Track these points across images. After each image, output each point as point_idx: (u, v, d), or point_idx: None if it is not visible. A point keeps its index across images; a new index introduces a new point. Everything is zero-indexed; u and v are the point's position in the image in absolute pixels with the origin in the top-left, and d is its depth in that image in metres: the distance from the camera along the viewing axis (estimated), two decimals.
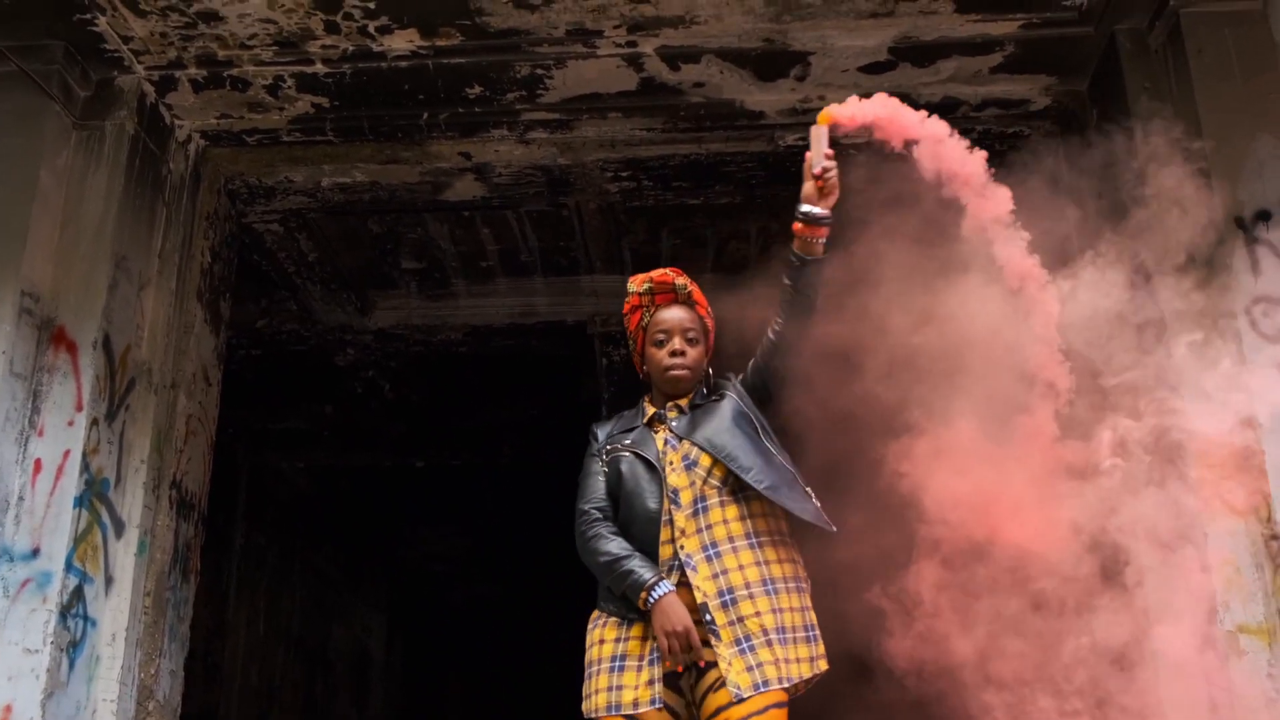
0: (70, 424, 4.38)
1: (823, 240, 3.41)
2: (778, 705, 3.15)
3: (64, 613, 4.20)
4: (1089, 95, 5.00)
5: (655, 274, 3.57)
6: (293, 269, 6.81)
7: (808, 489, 3.40)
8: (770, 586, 3.26)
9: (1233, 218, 4.23)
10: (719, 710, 3.15)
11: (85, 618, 4.35)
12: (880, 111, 3.67)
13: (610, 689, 3.24)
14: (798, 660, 3.23)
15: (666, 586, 3.20)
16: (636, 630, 3.29)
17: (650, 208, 6.12)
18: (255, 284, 6.96)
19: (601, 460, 3.50)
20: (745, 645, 3.18)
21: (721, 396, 3.49)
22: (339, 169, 5.49)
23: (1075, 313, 3.82)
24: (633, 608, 3.27)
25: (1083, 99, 5.02)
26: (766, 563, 3.30)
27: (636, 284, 3.59)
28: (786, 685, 3.17)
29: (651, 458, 3.39)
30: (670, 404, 3.54)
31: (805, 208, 3.42)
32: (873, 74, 4.92)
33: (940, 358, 3.70)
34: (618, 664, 3.27)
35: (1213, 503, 4.02)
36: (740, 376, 3.59)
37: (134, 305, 4.76)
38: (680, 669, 3.22)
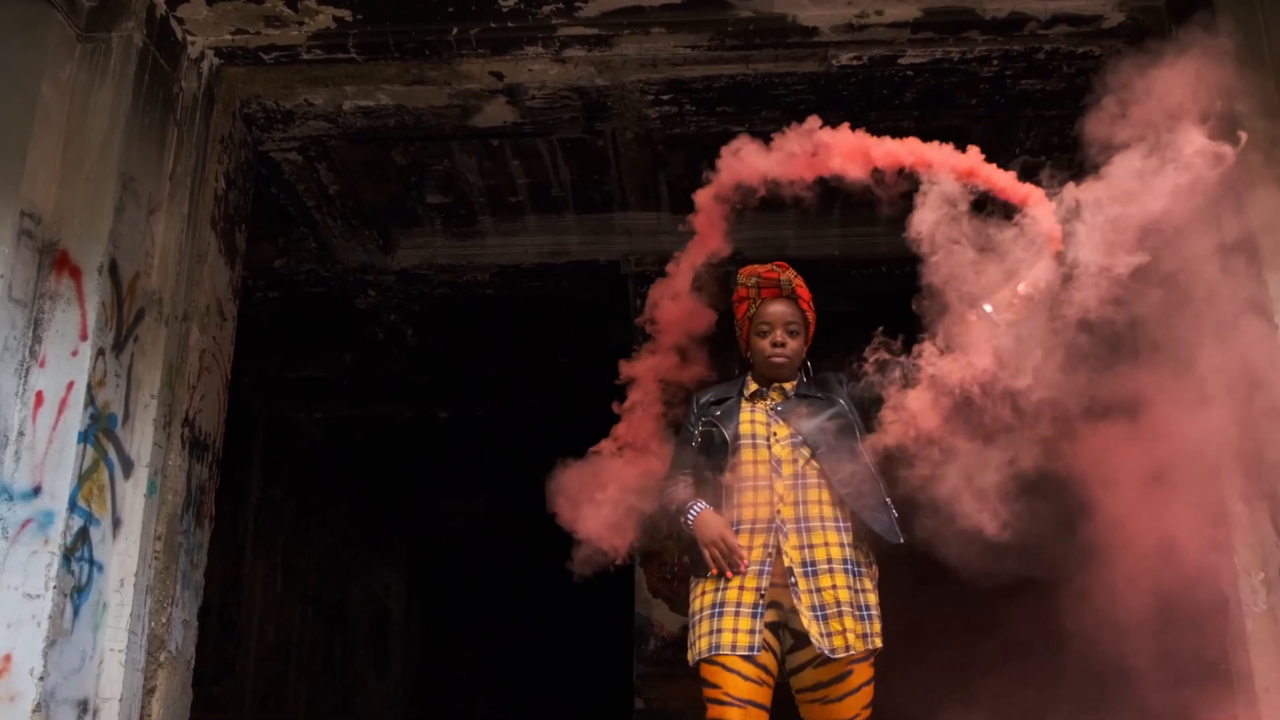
0: (74, 354, 4.07)
1: None
2: (869, 682, 3.50)
3: (68, 555, 3.91)
4: (1167, 10, 4.66)
5: (763, 269, 3.79)
6: (312, 203, 6.49)
7: (888, 499, 3.64)
8: (847, 567, 3.54)
9: None
10: (821, 685, 3.48)
11: (91, 561, 4.06)
12: None
13: (711, 633, 3.48)
14: (862, 635, 3.47)
15: (701, 505, 3.60)
16: (734, 580, 3.52)
17: (690, 136, 5.77)
18: (273, 220, 6.65)
19: (695, 430, 3.80)
20: (819, 613, 3.45)
21: (831, 399, 3.75)
22: (362, 91, 5.17)
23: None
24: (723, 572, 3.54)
25: (1160, 15, 4.69)
26: (845, 545, 3.57)
27: (745, 277, 3.82)
28: (856, 655, 3.45)
29: (730, 435, 3.68)
30: (775, 386, 3.78)
31: (998, 316, 3.49)
32: None
33: None
34: (717, 610, 3.51)
35: None
36: (849, 382, 3.80)
37: (143, 230, 4.44)
38: (730, 575, 3.50)
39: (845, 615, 3.45)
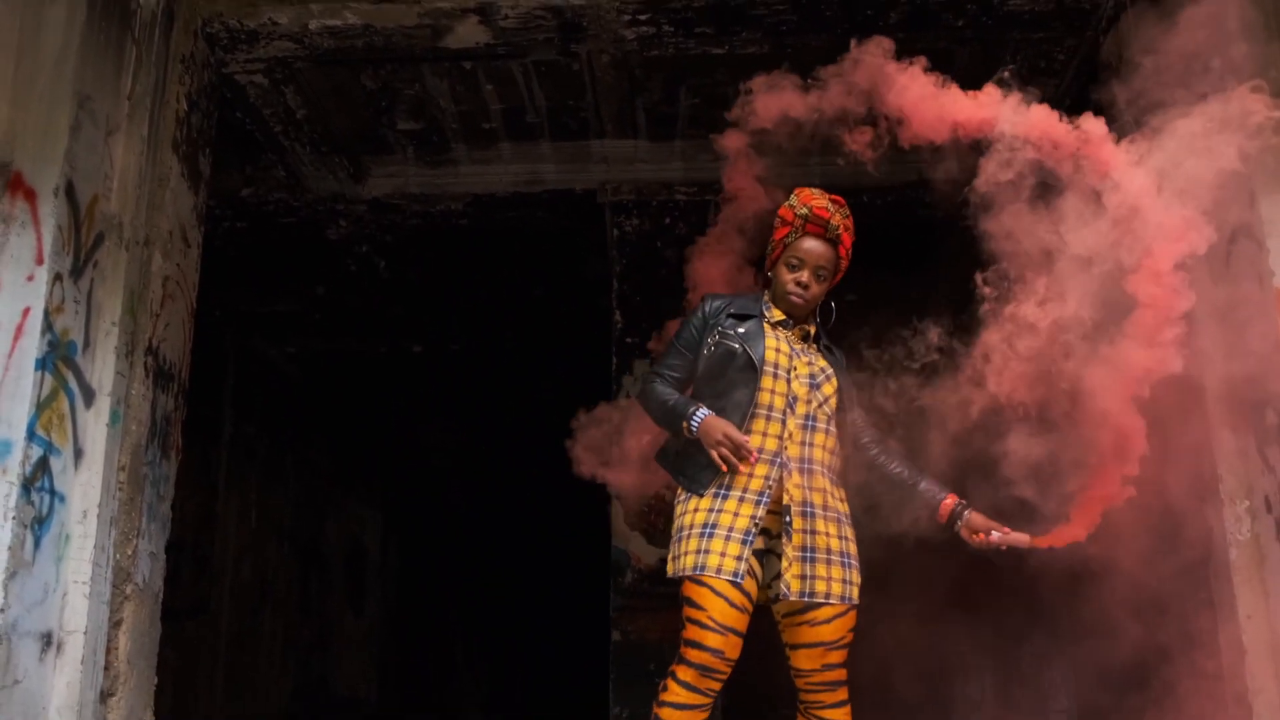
0: (30, 279, 3.92)
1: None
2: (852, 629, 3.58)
3: (26, 485, 3.78)
4: None
5: (817, 204, 3.66)
6: (279, 129, 6.31)
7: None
8: (840, 516, 3.62)
9: None
10: (804, 609, 3.52)
11: (52, 492, 3.94)
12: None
13: (698, 552, 3.47)
14: (846, 582, 3.55)
15: (705, 411, 3.54)
16: (730, 505, 3.52)
17: (669, 59, 5.61)
18: (239, 148, 6.47)
19: (708, 338, 3.73)
20: (808, 555, 3.48)
21: (840, 365, 3.79)
22: (328, 9, 4.99)
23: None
24: (721, 483, 3.55)
25: None
26: (839, 497, 3.66)
27: (798, 203, 3.69)
28: (836, 602, 3.51)
29: (757, 358, 3.60)
30: (798, 325, 3.75)
31: (961, 526, 3.71)
32: None
33: None
34: (708, 531, 3.49)
35: None
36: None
37: (101, 152, 4.28)
38: (742, 469, 3.46)
39: (834, 564, 3.51)
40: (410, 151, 6.73)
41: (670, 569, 3.59)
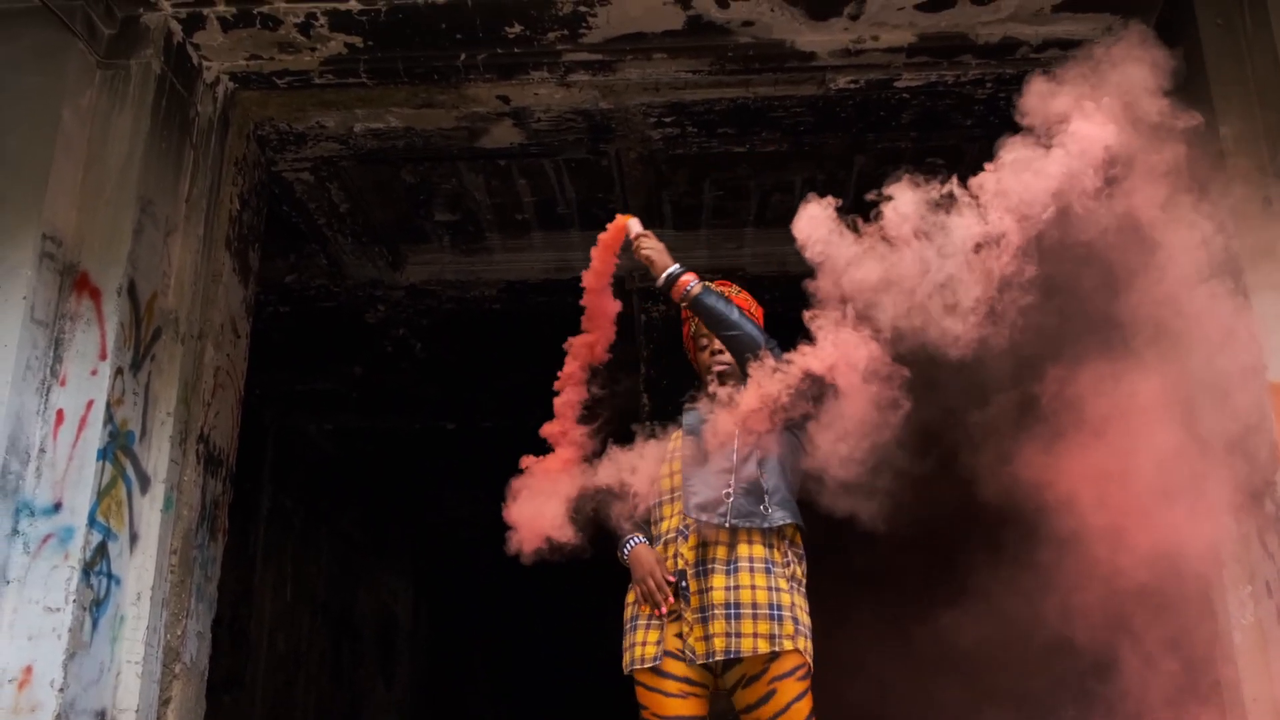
0: (94, 373, 4.20)
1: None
2: (801, 697, 3.41)
3: (87, 570, 4.03)
4: (1156, 34, 4.76)
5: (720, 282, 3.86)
6: (323, 221, 6.61)
7: (764, 502, 3.53)
8: (752, 564, 3.46)
9: None
10: (750, 709, 3.43)
11: (109, 575, 4.17)
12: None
13: (626, 648, 3.56)
14: (754, 635, 3.37)
15: (635, 540, 3.63)
16: (638, 589, 3.60)
17: (693, 156, 5.90)
18: (284, 237, 6.77)
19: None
20: (707, 614, 3.42)
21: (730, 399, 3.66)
22: (372, 113, 5.29)
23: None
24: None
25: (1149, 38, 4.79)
26: (736, 544, 3.50)
27: None
28: (750, 654, 3.36)
29: (668, 441, 3.74)
30: (701, 398, 3.80)
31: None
32: (930, 12, 4.72)
33: None
34: (633, 623, 3.58)
35: None
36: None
37: (160, 251, 4.57)
38: (661, 612, 3.50)
39: (744, 618, 3.39)
40: (446, 240, 7.02)
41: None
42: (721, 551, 3.48)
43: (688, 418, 3.78)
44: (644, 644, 3.50)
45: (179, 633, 4.54)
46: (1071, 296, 3.83)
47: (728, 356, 3.71)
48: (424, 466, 11.80)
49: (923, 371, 3.48)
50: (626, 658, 3.55)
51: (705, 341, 3.81)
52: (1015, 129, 5.57)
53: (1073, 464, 3.89)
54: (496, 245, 7.01)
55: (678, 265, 3.75)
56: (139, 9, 4.64)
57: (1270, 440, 4.01)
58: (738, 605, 3.39)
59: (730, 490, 3.53)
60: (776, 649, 3.37)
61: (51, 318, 4.22)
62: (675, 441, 3.75)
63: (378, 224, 6.76)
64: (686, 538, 3.55)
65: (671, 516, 3.64)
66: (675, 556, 3.56)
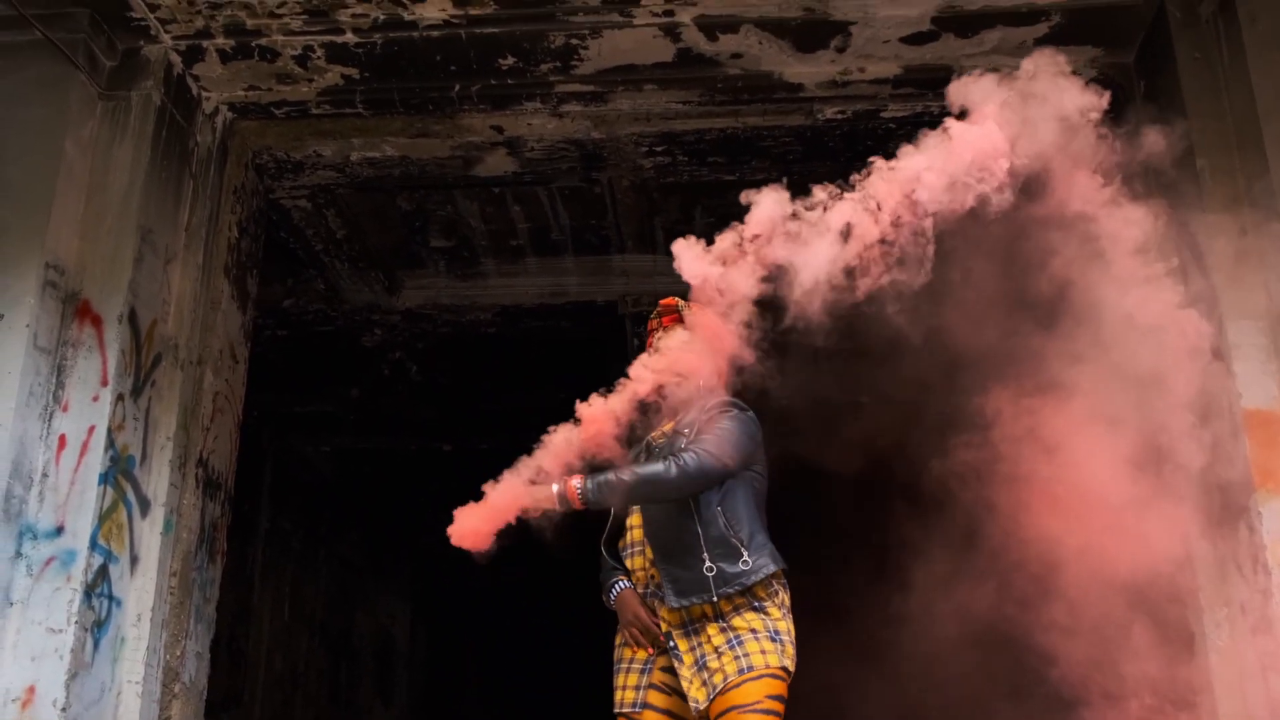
0: (95, 399, 4.30)
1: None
2: (771, 675, 3.31)
3: (88, 592, 4.11)
4: (1136, 67, 4.89)
5: (662, 300, 3.75)
6: (320, 247, 6.72)
7: (745, 558, 3.40)
8: (723, 617, 3.38)
9: None
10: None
11: (110, 597, 4.26)
12: None
13: (618, 689, 3.53)
14: (760, 653, 3.33)
15: (620, 585, 3.56)
16: (626, 633, 3.57)
17: (684, 184, 6.00)
18: (282, 263, 6.87)
19: None
20: (702, 664, 3.35)
21: (680, 433, 3.53)
22: (368, 143, 5.40)
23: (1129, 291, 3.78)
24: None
25: (1129, 71, 4.92)
26: (731, 581, 3.40)
27: (653, 311, 3.78)
28: (735, 677, 3.29)
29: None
30: (667, 424, 3.62)
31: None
32: (915, 45, 4.82)
33: None
34: (617, 666, 3.56)
35: (1265, 480, 4.00)
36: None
37: (160, 279, 4.67)
38: (651, 652, 3.47)
39: (724, 654, 3.34)
40: (442, 266, 7.13)
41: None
42: (709, 609, 3.39)
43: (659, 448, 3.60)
44: (624, 688, 3.49)
45: (178, 653, 4.62)
46: (1042, 319, 3.92)
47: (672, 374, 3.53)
48: (421, 488, 11.86)
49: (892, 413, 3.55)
50: (617, 697, 3.52)
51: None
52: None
53: (1048, 485, 3.96)
54: (491, 270, 7.11)
55: (556, 485, 3.35)
56: (139, 41, 4.76)
57: (1244, 465, 4.09)
58: (739, 637, 3.33)
59: (708, 563, 3.38)
60: (784, 663, 3.33)
61: (54, 345, 4.32)
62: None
63: (374, 250, 6.87)
64: (663, 600, 3.44)
65: (641, 567, 3.56)
66: (657, 616, 3.49)
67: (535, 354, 8.06)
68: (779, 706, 3.29)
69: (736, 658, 3.30)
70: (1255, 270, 4.21)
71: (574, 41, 4.75)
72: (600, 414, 3.45)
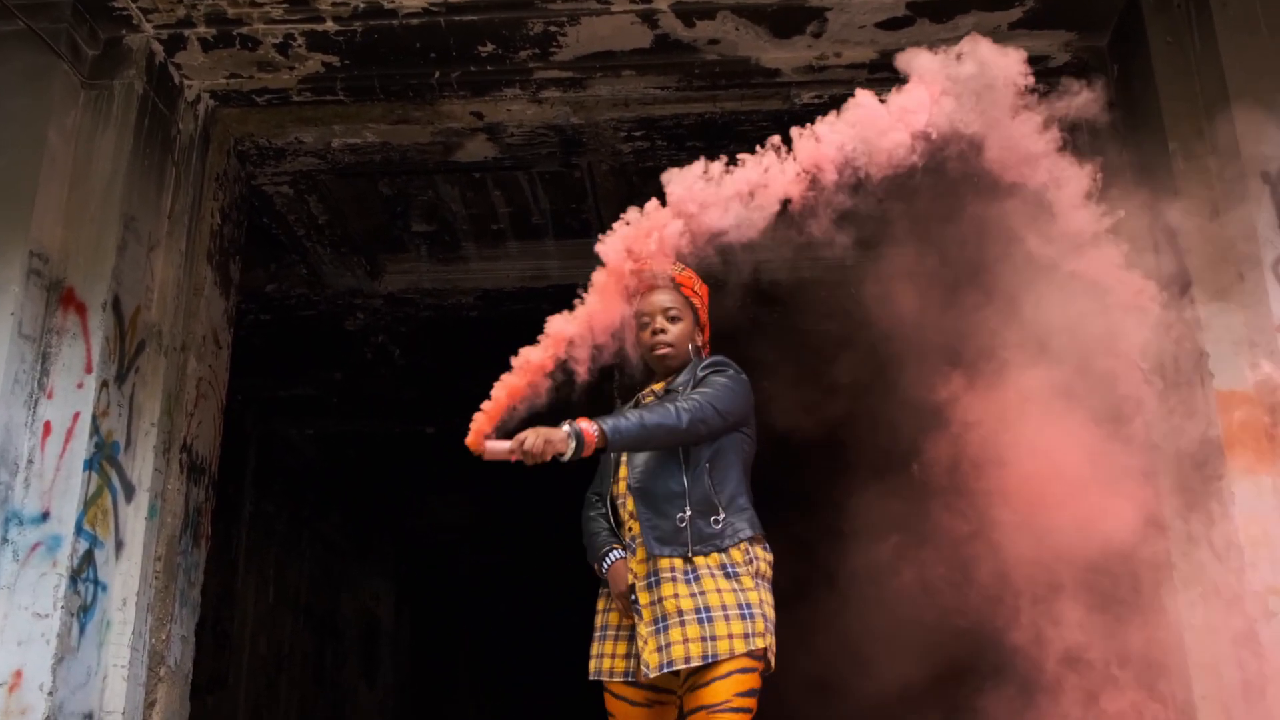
0: (80, 386, 4.34)
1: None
2: (739, 670, 3.24)
3: (74, 577, 4.16)
4: (1109, 51, 4.95)
5: (636, 265, 3.55)
6: (302, 232, 6.75)
7: (718, 516, 3.38)
8: (700, 571, 3.32)
9: (1258, 173, 4.19)
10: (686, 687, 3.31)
11: (96, 582, 4.31)
12: None
13: (597, 656, 3.47)
14: (727, 636, 3.24)
15: (615, 555, 3.47)
16: (612, 602, 3.51)
17: (664, 168, 6.00)
18: (265, 248, 6.90)
19: None
20: (661, 625, 3.29)
21: (676, 392, 3.48)
22: (349, 129, 5.43)
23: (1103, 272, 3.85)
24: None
25: (1102, 55, 4.97)
26: (642, 560, 3.39)
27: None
28: (703, 662, 3.22)
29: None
30: (658, 383, 3.61)
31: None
32: (890, 30, 4.87)
33: None
34: (602, 633, 3.50)
35: (1238, 461, 4.05)
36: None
37: (143, 267, 4.71)
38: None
39: (688, 624, 3.26)
40: (423, 250, 7.16)
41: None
42: (679, 563, 3.34)
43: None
44: (613, 656, 3.42)
45: (163, 637, 4.67)
46: (1014, 301, 3.97)
47: (670, 337, 3.55)
48: (404, 470, 11.92)
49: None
50: (593, 665, 3.46)
51: (646, 320, 3.58)
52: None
53: (1022, 460, 4.01)
54: (473, 254, 7.15)
55: (567, 426, 3.22)
56: (122, 30, 4.78)
57: (1217, 445, 4.15)
58: (708, 609, 3.26)
59: (684, 517, 3.37)
60: (751, 648, 3.25)
61: (39, 332, 4.36)
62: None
63: (356, 234, 6.90)
64: (634, 551, 3.42)
65: (625, 520, 3.50)
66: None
67: (517, 337, 7.99)
68: (749, 703, 3.25)
69: (703, 639, 3.22)
70: (1226, 252, 4.28)
71: (552, 28, 4.79)
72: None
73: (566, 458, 3.19)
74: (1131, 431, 4.19)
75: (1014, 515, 3.88)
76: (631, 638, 3.39)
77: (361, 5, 4.67)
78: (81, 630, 4.22)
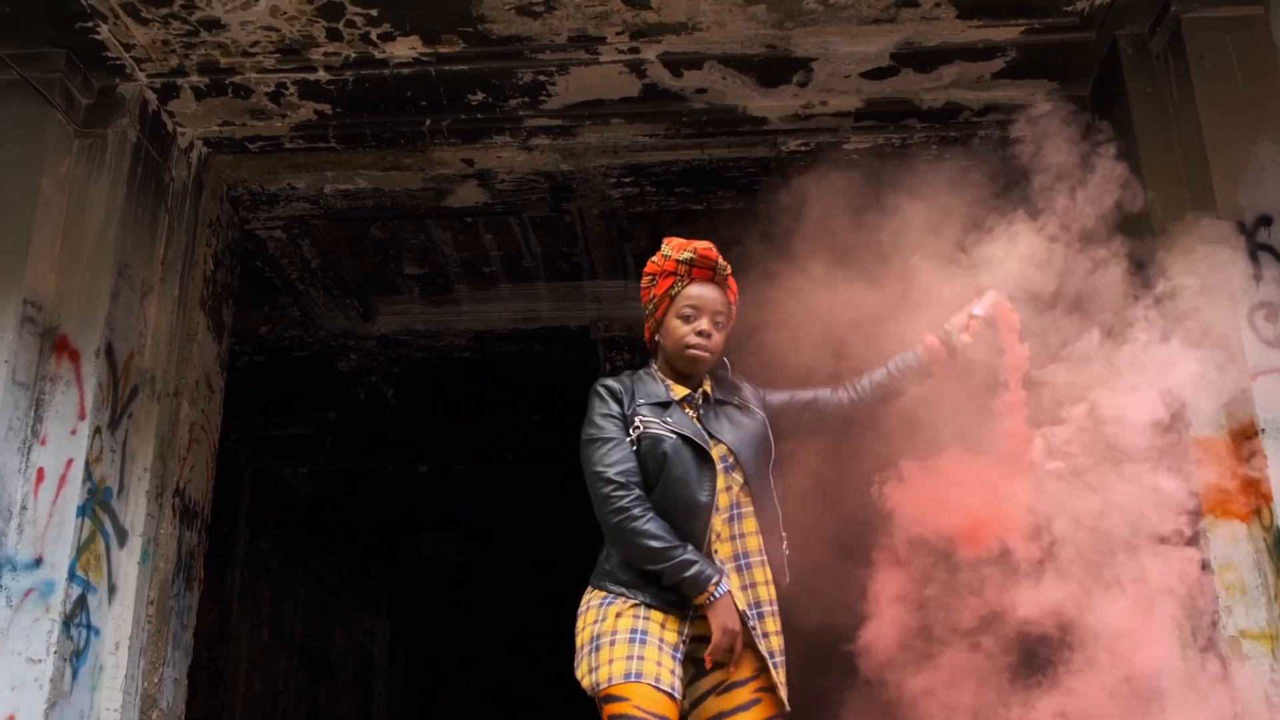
0: (73, 433, 4.38)
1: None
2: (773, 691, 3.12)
3: (67, 622, 4.19)
4: (1090, 100, 5.01)
5: (699, 245, 3.31)
6: (296, 275, 6.81)
7: (784, 533, 3.29)
8: (774, 608, 3.20)
9: (1234, 222, 4.23)
10: (726, 713, 3.10)
11: (88, 627, 4.34)
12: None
13: (631, 658, 3.00)
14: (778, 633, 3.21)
15: (727, 585, 3.06)
16: (656, 615, 3.10)
17: (653, 213, 6.10)
18: (258, 290, 6.95)
19: (628, 428, 3.19)
20: (774, 661, 3.12)
21: (749, 408, 3.34)
22: (342, 176, 5.49)
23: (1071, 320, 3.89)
24: (659, 594, 3.10)
25: (1084, 103, 5.03)
26: (769, 583, 3.21)
27: (675, 250, 3.32)
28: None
29: (704, 447, 3.17)
30: (699, 389, 3.30)
31: (956, 334, 3.43)
32: (875, 79, 4.94)
33: None
34: (639, 637, 3.05)
35: (1214, 507, 4.07)
36: (764, 391, 3.44)
37: (136, 313, 4.75)
38: (709, 665, 3.07)
39: (779, 667, 3.14)
40: (416, 292, 7.22)
41: (590, 681, 3.08)
42: (769, 592, 3.21)
43: (707, 416, 3.29)
44: (660, 664, 3.00)
45: (156, 680, 4.69)
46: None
47: (714, 344, 3.25)
48: (398, 508, 11.96)
49: None
50: (627, 667, 2.99)
51: (692, 313, 3.25)
52: (954, 188, 5.85)
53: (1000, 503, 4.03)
54: (465, 296, 7.22)
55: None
56: (115, 79, 4.85)
57: (1195, 493, 4.16)
58: (782, 654, 3.17)
59: (785, 543, 3.27)
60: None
61: (32, 379, 4.41)
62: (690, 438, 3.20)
63: (349, 277, 6.96)
64: (727, 576, 3.12)
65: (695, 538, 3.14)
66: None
67: (509, 377, 8.15)
68: None
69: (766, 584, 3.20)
70: (1203, 301, 4.32)
71: (542, 78, 4.86)
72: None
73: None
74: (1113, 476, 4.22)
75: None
76: (674, 655, 3.07)
77: (353, 55, 4.74)
78: (74, 675, 4.25)
